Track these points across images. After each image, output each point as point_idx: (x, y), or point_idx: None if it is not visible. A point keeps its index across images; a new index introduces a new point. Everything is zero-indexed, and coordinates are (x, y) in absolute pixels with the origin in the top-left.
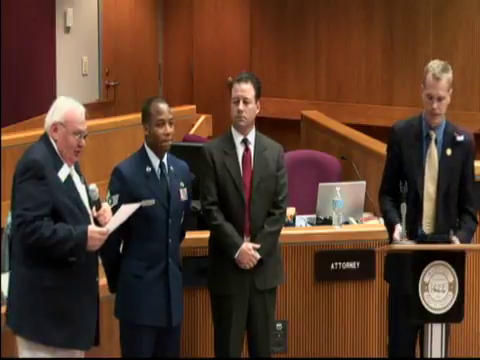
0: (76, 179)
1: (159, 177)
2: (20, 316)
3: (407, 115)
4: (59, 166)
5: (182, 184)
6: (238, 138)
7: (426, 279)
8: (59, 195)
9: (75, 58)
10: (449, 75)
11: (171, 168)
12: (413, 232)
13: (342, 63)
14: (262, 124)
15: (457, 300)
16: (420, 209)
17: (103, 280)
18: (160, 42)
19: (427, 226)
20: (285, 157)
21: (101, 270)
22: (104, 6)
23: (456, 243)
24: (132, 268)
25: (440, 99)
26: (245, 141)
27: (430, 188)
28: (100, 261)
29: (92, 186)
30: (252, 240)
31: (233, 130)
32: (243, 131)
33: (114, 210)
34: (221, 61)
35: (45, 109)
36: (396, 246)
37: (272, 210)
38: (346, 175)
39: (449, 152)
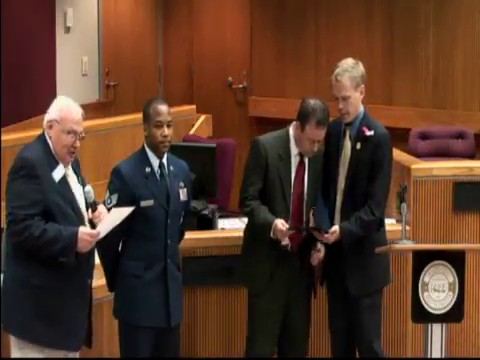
0: (72, 180)
1: (159, 177)
2: (10, 313)
3: (407, 114)
4: (54, 166)
5: (182, 184)
6: (295, 149)
7: (426, 279)
8: (51, 195)
9: (75, 58)
10: (353, 74)
11: (171, 168)
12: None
13: None
14: (262, 124)
15: (457, 300)
16: (334, 202)
17: (99, 281)
18: (160, 42)
19: (337, 219)
20: None
21: (96, 271)
22: (104, 6)
23: (335, 229)
24: (131, 268)
25: (345, 98)
26: (301, 154)
27: (342, 182)
28: (96, 262)
29: (87, 188)
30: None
31: (292, 139)
32: None
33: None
34: (221, 61)
35: (45, 109)
36: (396, 246)
37: None
38: None
39: (358, 146)
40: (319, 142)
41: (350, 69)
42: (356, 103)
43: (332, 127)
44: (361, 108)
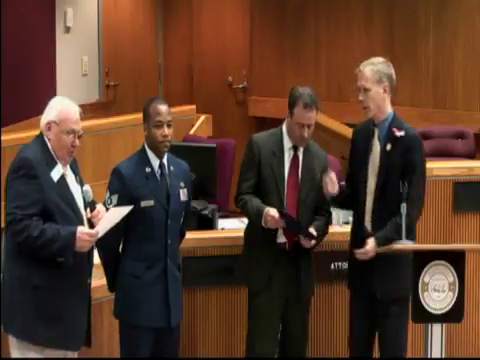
0: (70, 179)
1: (159, 177)
2: (9, 314)
3: (407, 114)
4: (52, 166)
5: (182, 184)
6: (289, 143)
7: (426, 279)
8: (50, 194)
9: (75, 58)
10: (377, 67)
11: (171, 168)
12: (359, 225)
13: (342, 62)
14: (262, 124)
15: (457, 300)
16: (364, 204)
17: (99, 281)
18: (160, 42)
19: (368, 221)
20: None
21: (96, 271)
22: (104, 6)
23: (369, 247)
24: (131, 268)
25: (366, 90)
26: (295, 148)
27: (371, 183)
28: (95, 262)
29: (86, 187)
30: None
31: (285, 134)
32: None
33: None
34: (221, 61)
35: (45, 109)
36: (396, 246)
37: (321, 212)
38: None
39: (389, 147)
40: (309, 128)
41: (375, 63)
42: (378, 99)
43: (360, 129)
44: (390, 110)
